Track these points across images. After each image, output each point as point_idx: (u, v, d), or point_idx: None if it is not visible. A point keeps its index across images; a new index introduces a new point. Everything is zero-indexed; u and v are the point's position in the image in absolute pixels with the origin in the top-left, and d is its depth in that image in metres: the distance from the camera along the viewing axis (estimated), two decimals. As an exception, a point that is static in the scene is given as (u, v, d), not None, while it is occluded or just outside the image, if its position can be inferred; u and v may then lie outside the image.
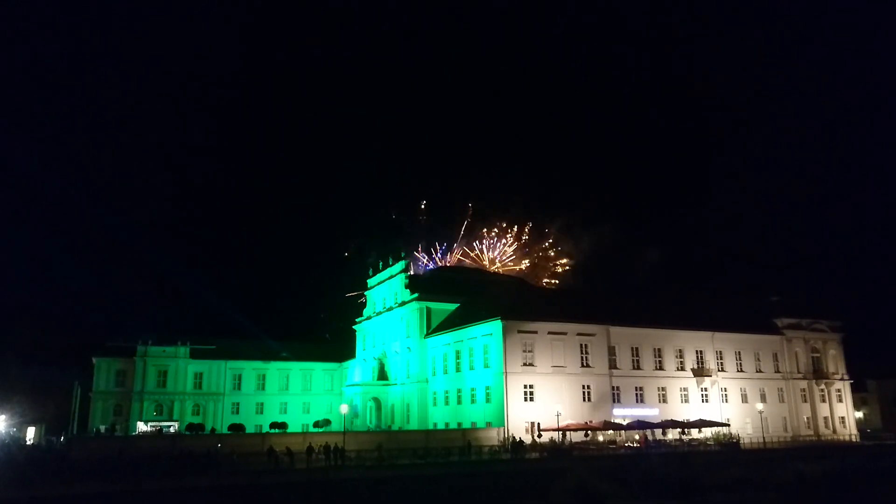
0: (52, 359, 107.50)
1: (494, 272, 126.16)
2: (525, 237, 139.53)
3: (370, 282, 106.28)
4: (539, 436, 68.76)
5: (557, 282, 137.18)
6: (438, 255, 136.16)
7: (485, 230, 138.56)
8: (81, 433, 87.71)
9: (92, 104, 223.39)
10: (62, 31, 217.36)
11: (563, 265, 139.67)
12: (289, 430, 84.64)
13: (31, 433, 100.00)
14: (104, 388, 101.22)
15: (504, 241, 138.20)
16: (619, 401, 77.96)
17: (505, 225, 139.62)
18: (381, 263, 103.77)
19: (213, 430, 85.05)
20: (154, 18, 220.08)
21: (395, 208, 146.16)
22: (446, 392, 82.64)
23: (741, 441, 76.32)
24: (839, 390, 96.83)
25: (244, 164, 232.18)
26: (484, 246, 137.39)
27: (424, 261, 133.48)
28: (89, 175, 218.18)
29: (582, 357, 76.97)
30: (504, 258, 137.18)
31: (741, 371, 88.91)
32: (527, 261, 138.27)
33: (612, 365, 78.90)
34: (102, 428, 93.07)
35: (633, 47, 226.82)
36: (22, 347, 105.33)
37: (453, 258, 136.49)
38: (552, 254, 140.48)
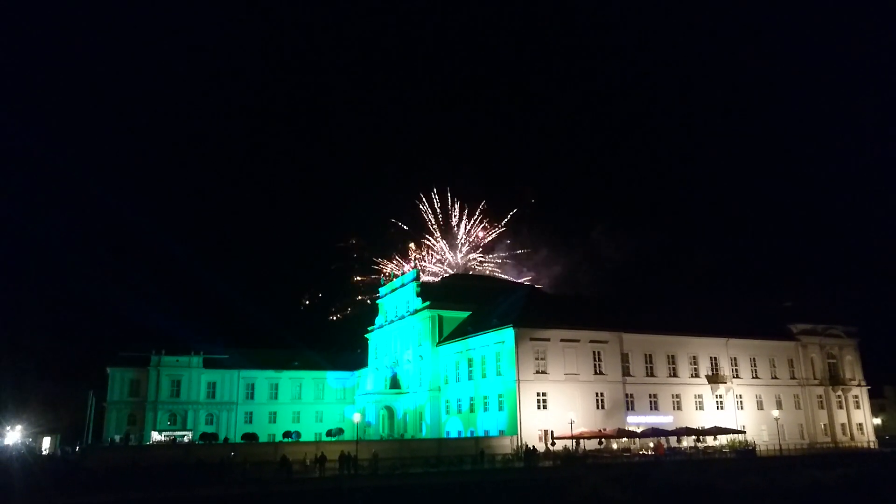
0: (66, 369, 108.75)
1: (506, 279, 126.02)
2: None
3: (382, 290, 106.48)
4: (552, 444, 68.35)
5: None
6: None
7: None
8: (96, 443, 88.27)
9: (93, 113, 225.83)
10: (70, 27, 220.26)
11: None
12: (302, 440, 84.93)
13: (46, 443, 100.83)
14: (118, 398, 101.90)
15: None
16: (632, 408, 77.46)
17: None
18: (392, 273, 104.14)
19: (226, 439, 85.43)
20: (155, 18, 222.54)
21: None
22: (459, 400, 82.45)
23: (757, 448, 75.51)
24: (856, 396, 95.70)
25: (257, 173, 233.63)
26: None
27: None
28: (99, 183, 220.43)
29: (595, 364, 76.60)
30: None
31: (756, 377, 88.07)
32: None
33: (626, 372, 78.42)
34: (117, 438, 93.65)
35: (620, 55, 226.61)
36: (37, 358, 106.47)
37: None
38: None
